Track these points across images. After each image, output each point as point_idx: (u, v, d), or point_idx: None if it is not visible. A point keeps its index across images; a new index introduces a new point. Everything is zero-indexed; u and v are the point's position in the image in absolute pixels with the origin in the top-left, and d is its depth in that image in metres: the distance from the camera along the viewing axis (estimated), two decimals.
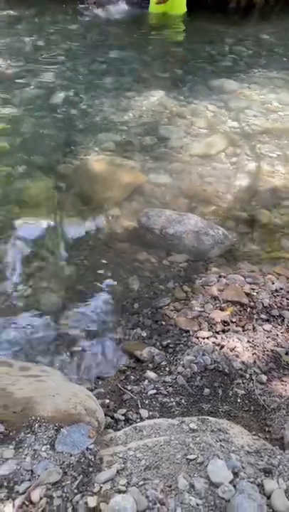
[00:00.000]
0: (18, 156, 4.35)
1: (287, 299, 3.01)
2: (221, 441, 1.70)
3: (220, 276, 3.25)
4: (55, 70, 6.01)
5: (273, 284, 3.15)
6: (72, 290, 3.14)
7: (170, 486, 1.50)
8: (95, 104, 5.28)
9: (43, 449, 1.66)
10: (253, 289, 3.11)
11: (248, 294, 3.06)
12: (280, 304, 2.96)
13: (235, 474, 1.53)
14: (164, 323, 2.93)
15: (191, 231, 3.56)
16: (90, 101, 5.32)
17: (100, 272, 3.28)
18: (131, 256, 3.42)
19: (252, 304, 2.99)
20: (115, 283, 3.21)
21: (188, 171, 4.34)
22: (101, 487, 1.52)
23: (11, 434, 1.72)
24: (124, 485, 1.51)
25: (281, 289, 3.10)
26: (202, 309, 3.00)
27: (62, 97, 5.36)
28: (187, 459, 1.60)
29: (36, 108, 5.15)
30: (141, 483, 1.51)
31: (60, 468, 1.61)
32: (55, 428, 1.74)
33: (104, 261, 3.37)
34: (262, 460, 1.62)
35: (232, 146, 4.72)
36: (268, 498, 1.45)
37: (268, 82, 5.89)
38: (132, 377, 2.49)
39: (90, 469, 1.61)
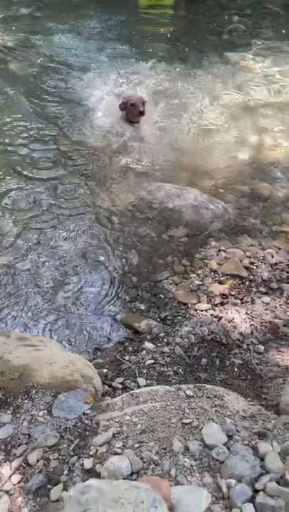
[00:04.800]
0: (19, 128, 4.27)
1: (286, 272, 2.99)
2: (216, 406, 1.72)
3: (219, 250, 3.23)
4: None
5: (273, 257, 3.12)
6: (71, 264, 3.14)
7: (165, 449, 1.52)
8: (98, 72, 5.16)
9: (40, 414, 1.69)
10: (253, 263, 3.09)
11: (247, 268, 3.05)
12: (279, 277, 2.95)
13: (230, 437, 1.55)
14: (162, 296, 2.93)
15: (190, 205, 3.53)
16: (95, 69, 5.19)
17: (100, 246, 3.27)
18: (130, 230, 3.40)
19: (251, 277, 2.97)
20: (115, 257, 3.20)
21: (189, 145, 4.26)
22: (97, 450, 1.55)
23: (8, 399, 1.75)
24: (120, 447, 1.53)
25: (281, 262, 3.08)
26: (201, 283, 2.99)
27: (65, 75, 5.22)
28: (182, 423, 1.61)
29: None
30: (136, 445, 1.53)
31: (57, 432, 1.63)
32: (52, 394, 1.76)
33: (103, 236, 3.35)
34: (256, 424, 1.63)
35: (234, 120, 4.62)
36: (262, 460, 1.47)
37: (271, 54, 5.71)
38: (131, 348, 2.51)
39: (87, 433, 1.63)
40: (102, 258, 3.19)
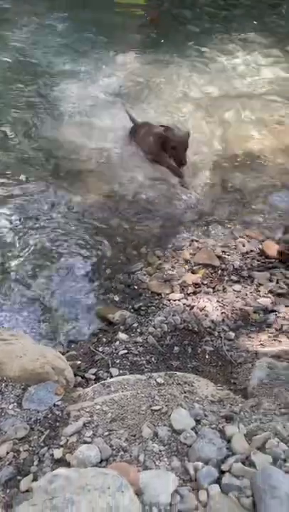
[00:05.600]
0: None
1: (257, 260, 3.05)
2: (185, 392, 1.75)
3: (192, 241, 3.26)
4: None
5: (244, 246, 3.18)
6: (45, 257, 3.11)
7: (134, 436, 1.54)
8: (71, 65, 5.07)
9: (10, 407, 1.68)
10: (225, 252, 3.14)
11: (219, 257, 3.09)
12: (250, 265, 3.01)
13: (198, 421, 1.58)
14: (136, 287, 2.95)
15: (163, 196, 3.55)
16: (67, 62, 5.10)
17: (73, 239, 3.25)
18: (103, 222, 3.39)
19: (223, 266, 3.02)
20: (88, 249, 3.19)
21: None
22: (67, 440, 1.56)
23: None
24: (89, 436, 1.55)
25: (252, 251, 3.14)
26: (174, 273, 3.02)
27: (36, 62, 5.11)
28: (152, 409, 1.64)
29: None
30: (106, 433, 1.55)
31: (28, 424, 1.63)
32: (22, 387, 1.75)
33: (76, 228, 3.34)
34: (224, 408, 1.67)
35: (206, 111, 4.64)
36: (228, 442, 1.51)
37: (242, 45, 5.75)
38: (104, 339, 2.52)
39: (57, 424, 1.64)
40: (75, 251, 3.18)
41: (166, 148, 3.31)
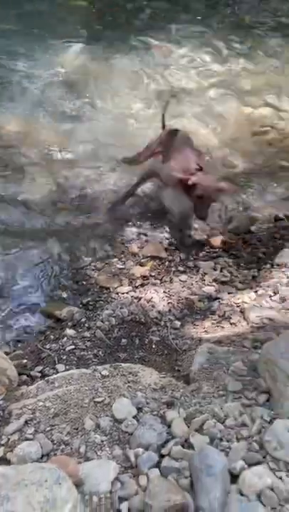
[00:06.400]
0: None
1: (202, 250, 3.13)
2: (129, 382, 1.78)
3: (140, 234, 3.29)
4: None
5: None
6: None
7: (77, 429, 1.55)
8: (9, 58, 4.92)
9: None
10: (171, 244, 3.20)
11: (166, 249, 3.14)
12: (196, 255, 3.08)
13: (140, 409, 1.61)
14: (84, 282, 2.94)
15: (110, 190, 3.54)
16: (4, 59, 4.94)
17: (19, 236, 3.19)
18: (50, 218, 3.34)
19: (170, 257, 3.07)
20: (34, 246, 3.14)
21: (108, 131, 4.25)
22: (9, 438, 1.54)
23: None
24: (31, 433, 1.54)
25: (197, 241, 3.22)
26: (123, 266, 3.04)
27: None
28: (95, 401, 1.65)
29: None
30: (48, 429, 1.55)
31: None
32: None
33: (22, 225, 3.27)
34: (166, 394, 1.71)
35: (152, 104, 4.67)
36: (169, 426, 1.55)
37: (186, 38, 5.82)
38: (52, 336, 2.50)
39: None
40: (21, 248, 3.12)
41: (190, 193, 2.66)
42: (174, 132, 3.20)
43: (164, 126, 3.34)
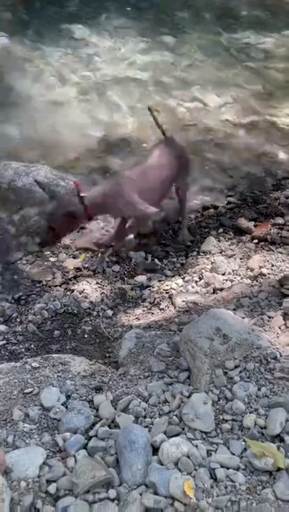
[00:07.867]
0: None
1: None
2: (59, 372, 1.82)
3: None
4: None
5: None
6: None
7: (5, 420, 1.57)
8: None
9: None
10: (105, 235, 3.25)
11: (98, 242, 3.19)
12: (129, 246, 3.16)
13: (68, 396, 1.67)
14: (16, 277, 2.92)
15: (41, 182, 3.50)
16: None
17: None
18: None
19: (103, 249, 3.13)
20: None
21: (37, 121, 4.19)
22: None
23: None
24: None
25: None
26: (55, 259, 3.05)
27: None
28: (24, 393, 1.68)
29: None
30: None
31: None
32: None
33: None
34: (95, 380, 1.79)
35: (82, 95, 4.66)
36: (97, 410, 1.63)
37: (115, 29, 5.83)
38: None
39: None
40: None
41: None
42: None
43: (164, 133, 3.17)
